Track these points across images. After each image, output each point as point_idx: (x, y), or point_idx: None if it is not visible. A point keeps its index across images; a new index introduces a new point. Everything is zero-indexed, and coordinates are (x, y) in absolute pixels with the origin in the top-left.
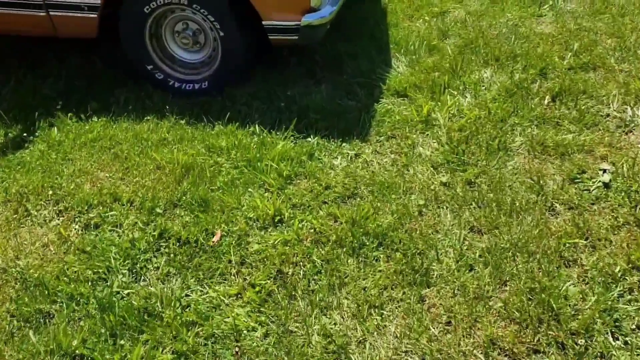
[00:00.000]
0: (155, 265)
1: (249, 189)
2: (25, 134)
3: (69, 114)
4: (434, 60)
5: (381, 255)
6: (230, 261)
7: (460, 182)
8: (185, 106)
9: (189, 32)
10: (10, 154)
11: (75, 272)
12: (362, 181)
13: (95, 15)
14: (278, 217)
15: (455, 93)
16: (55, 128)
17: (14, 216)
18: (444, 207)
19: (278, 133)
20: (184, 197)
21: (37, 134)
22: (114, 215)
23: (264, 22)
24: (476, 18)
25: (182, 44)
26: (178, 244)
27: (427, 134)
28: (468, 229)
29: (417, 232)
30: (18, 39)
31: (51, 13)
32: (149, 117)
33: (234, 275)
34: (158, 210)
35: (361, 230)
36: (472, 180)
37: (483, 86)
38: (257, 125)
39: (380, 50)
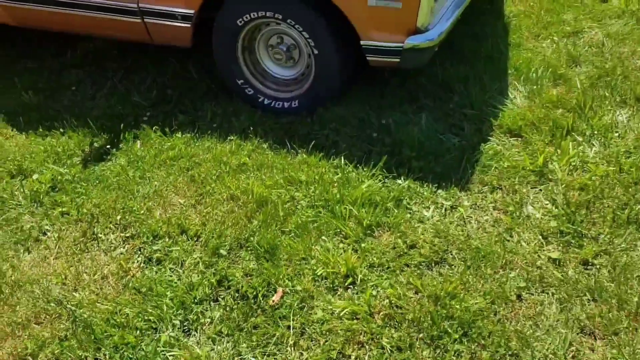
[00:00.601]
0: (209, 319)
1: (323, 237)
2: (109, 146)
3: (155, 127)
4: (558, 94)
5: (464, 351)
6: (289, 327)
7: (574, 261)
8: (271, 127)
9: (283, 47)
10: (92, 166)
11: (126, 316)
12: (454, 243)
13: (189, 25)
14: (350, 279)
15: (580, 139)
16: (139, 141)
17: (82, 239)
18: (550, 294)
19: (365, 169)
20: (252, 239)
21: (120, 146)
22: (178, 251)
23: (362, 42)
24: (616, 42)
25: (275, 59)
26: (237, 295)
27: (540, 190)
28: (578, 330)
29: (512, 323)
30: (116, 43)
31: (146, 20)
32: (232, 137)
33: (290, 347)
34: (222, 251)
35: (444, 312)
36: (590, 260)
37: (616, 133)
38: (342, 158)
39: (496, 75)
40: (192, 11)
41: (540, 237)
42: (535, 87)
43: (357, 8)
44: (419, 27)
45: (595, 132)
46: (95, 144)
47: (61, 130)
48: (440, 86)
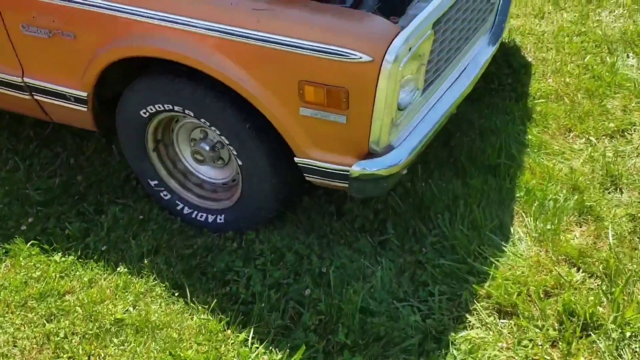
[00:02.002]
0: None
1: None
2: None
3: (35, 239)
4: (583, 243)
5: None
6: None
7: None
8: (181, 254)
9: (206, 146)
10: None
11: None
12: None
13: (86, 109)
14: None
15: (602, 346)
16: (4, 264)
17: None
18: None
19: (279, 354)
20: None
21: None
22: None
23: (296, 159)
24: None
25: (196, 159)
26: None
27: None
28: None
29: None
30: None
31: (36, 97)
32: (123, 268)
33: None
34: None
35: None
36: None
37: None
38: (252, 331)
39: (498, 199)
40: (84, 93)
41: None
42: (550, 225)
43: (286, 117)
44: (373, 149)
45: (626, 339)
46: None
47: None
48: (417, 211)
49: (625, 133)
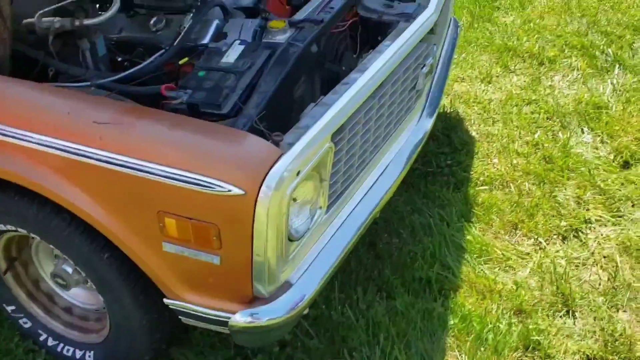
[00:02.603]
0: None
1: None
2: None
3: None
4: None
5: None
6: None
7: None
8: None
9: (68, 268)
10: None
11: None
12: None
13: None
14: None
15: None
16: None
17: None
18: None
19: None
20: None
21: None
22: None
23: (166, 301)
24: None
25: (58, 282)
26: None
27: None
28: None
29: None
30: None
31: None
32: None
33: None
34: None
35: None
36: None
37: None
38: None
39: (427, 328)
40: None
41: None
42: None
43: (146, 252)
44: (259, 292)
45: None
46: None
47: None
48: (331, 343)
49: (580, 233)
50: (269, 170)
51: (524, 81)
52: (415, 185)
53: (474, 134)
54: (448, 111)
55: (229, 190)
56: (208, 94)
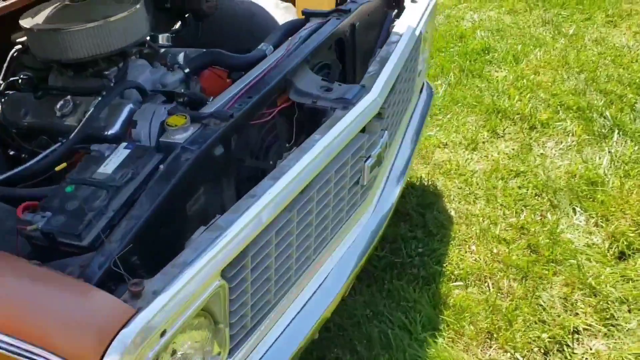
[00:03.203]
0: None
1: None
2: None
3: None
4: None
5: None
6: None
7: None
8: None
9: None
10: None
11: None
12: None
13: None
14: None
15: None
16: None
17: None
18: None
19: None
20: None
21: None
22: None
23: None
24: None
25: None
26: None
27: None
28: None
29: None
30: None
31: None
32: None
33: None
34: None
35: None
36: None
37: None
38: None
39: None
40: None
41: None
42: None
43: None
44: None
45: None
46: None
47: None
48: None
49: (565, 347)
50: (114, 337)
51: (513, 148)
52: (379, 279)
53: (452, 213)
54: (426, 184)
55: None
56: (68, 220)
